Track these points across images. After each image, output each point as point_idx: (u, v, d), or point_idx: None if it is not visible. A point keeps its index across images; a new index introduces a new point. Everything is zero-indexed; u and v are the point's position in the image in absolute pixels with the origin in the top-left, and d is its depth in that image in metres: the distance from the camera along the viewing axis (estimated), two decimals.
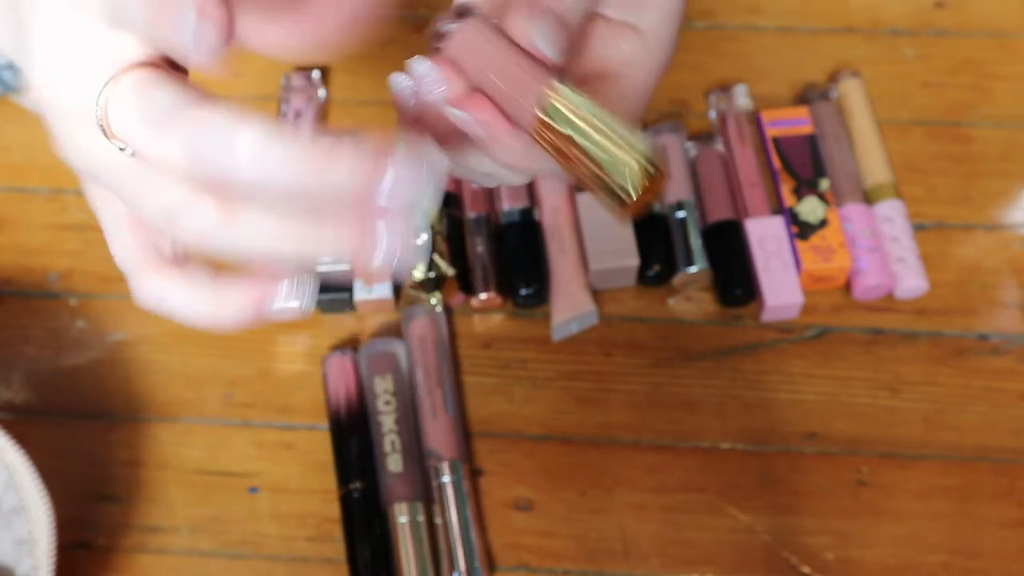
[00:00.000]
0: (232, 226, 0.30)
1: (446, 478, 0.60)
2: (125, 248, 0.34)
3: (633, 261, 0.65)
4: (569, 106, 0.32)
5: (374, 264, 0.29)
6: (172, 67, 0.31)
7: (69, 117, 0.31)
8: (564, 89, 0.32)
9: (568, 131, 0.32)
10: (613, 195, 0.32)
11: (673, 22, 0.36)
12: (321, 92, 0.72)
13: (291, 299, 0.32)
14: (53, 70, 0.31)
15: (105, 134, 0.30)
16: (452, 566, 0.58)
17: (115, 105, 0.30)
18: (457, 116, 0.33)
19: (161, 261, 0.33)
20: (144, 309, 0.33)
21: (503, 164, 0.35)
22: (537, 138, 0.33)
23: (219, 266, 0.33)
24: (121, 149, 0.30)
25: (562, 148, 0.32)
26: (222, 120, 0.28)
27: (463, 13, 0.31)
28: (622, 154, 0.31)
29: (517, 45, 0.32)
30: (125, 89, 0.30)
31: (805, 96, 0.71)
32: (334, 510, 0.61)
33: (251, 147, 0.28)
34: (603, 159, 0.31)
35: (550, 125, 0.32)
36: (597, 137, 0.31)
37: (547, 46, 0.32)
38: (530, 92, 0.32)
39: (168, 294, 0.33)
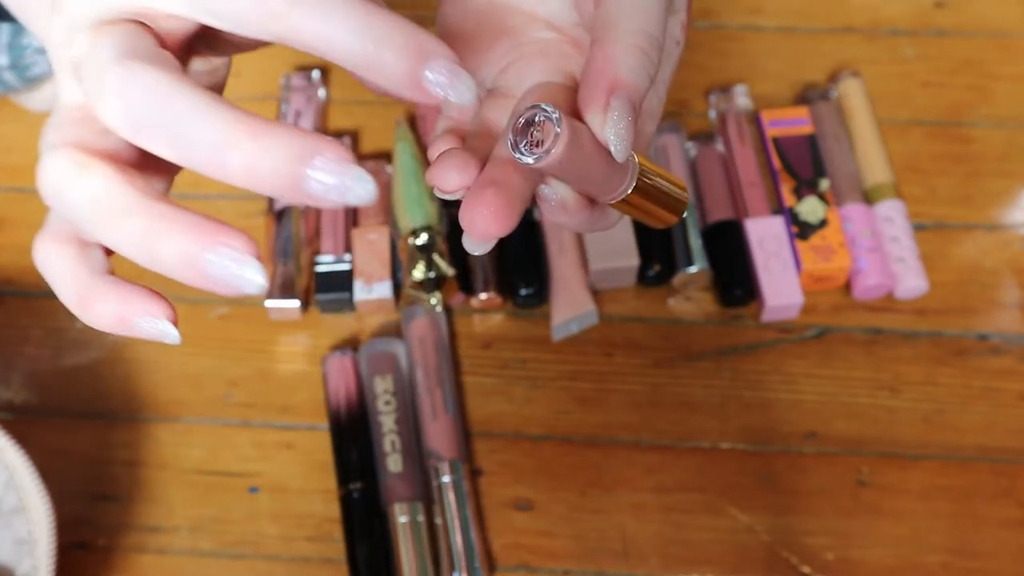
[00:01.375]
0: (81, 179, 0.29)
1: (446, 478, 0.60)
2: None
3: (633, 261, 0.65)
4: (640, 186, 0.35)
5: (209, 284, 0.29)
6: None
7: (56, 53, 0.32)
8: (638, 166, 0.35)
9: (641, 205, 0.36)
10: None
11: (675, 68, 0.38)
12: (321, 92, 0.72)
13: (165, 328, 0.31)
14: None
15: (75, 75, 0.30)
16: (452, 566, 0.58)
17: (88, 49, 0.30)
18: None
19: (67, 229, 0.32)
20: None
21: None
22: (610, 204, 0.36)
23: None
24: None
25: (626, 208, 0.36)
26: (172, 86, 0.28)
27: (539, 110, 0.32)
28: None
29: (596, 141, 0.33)
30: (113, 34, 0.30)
31: (805, 96, 0.71)
32: (334, 510, 0.61)
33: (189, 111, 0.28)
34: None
35: (627, 199, 0.35)
36: (659, 200, 0.36)
37: (620, 151, 0.33)
38: (612, 187, 0.34)
39: (49, 264, 0.32)
